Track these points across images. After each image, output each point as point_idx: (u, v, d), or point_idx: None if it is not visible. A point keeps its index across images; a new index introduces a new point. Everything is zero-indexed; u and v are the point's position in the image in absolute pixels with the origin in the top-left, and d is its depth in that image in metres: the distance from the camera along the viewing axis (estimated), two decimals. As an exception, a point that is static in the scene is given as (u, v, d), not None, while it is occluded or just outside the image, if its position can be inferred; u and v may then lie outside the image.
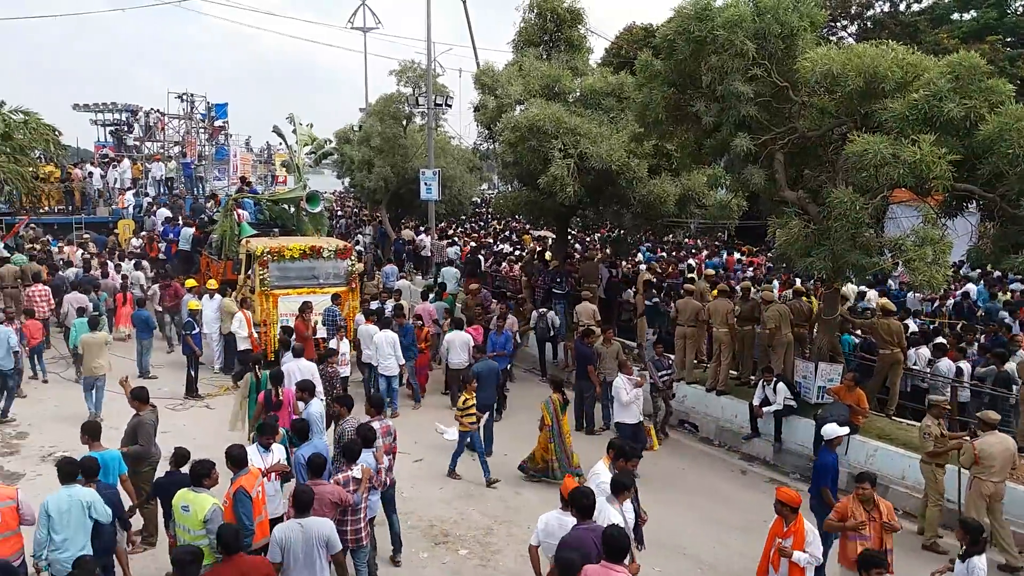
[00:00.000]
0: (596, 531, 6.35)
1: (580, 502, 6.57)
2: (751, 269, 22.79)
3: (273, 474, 7.96)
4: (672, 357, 13.74)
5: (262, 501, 7.45)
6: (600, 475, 7.69)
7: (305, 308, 14.15)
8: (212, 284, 16.80)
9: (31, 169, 18.43)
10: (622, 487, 7.15)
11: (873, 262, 10.70)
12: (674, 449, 13.02)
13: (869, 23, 34.64)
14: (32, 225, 24.59)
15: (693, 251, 26.98)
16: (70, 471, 7.12)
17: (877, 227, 11.16)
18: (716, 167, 13.81)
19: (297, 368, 11.24)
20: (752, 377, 13.54)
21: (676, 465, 12.21)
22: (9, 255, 19.05)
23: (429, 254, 24.40)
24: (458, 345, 14.32)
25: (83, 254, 21.24)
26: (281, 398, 10.23)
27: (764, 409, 12.31)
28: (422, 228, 26.51)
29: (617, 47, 38.59)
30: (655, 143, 15.37)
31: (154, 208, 27.50)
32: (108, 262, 20.44)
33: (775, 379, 12.21)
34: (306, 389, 9.69)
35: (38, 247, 21.64)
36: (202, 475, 7.06)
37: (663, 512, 10.55)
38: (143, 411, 9.17)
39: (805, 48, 11.43)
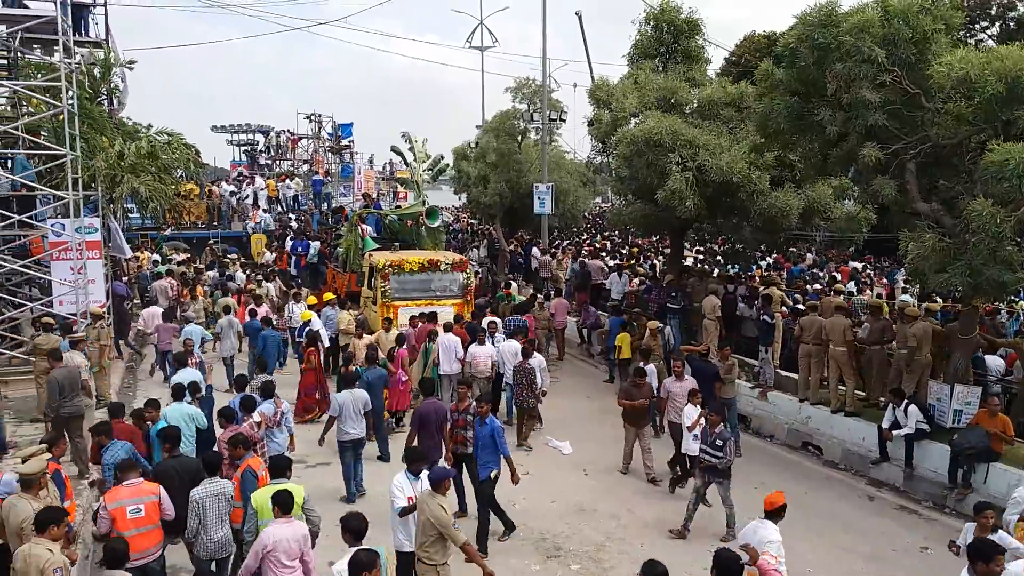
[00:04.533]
0: (438, 405, 10.04)
1: (425, 387, 10.42)
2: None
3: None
4: (729, 437, 9.88)
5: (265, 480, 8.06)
6: None
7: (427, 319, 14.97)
8: (327, 296, 17.83)
9: (173, 187, 19.94)
10: None
11: (1016, 278, 10.03)
12: (796, 472, 12.53)
13: (1012, 24, 32.41)
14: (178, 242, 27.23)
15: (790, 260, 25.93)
16: (179, 393, 10.26)
17: (1021, 241, 10.42)
18: (843, 178, 13.27)
19: (446, 340, 13.96)
20: (881, 399, 12.87)
21: (799, 488, 11.64)
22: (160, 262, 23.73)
23: (537, 267, 24.42)
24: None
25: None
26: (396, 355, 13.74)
27: (894, 433, 11.68)
28: (533, 243, 26.63)
29: (737, 56, 37.79)
30: (777, 154, 14.88)
31: (285, 221, 28.98)
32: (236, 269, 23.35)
33: (907, 401, 11.56)
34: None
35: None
36: (285, 467, 7.88)
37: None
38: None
39: (939, 52, 10.83)
